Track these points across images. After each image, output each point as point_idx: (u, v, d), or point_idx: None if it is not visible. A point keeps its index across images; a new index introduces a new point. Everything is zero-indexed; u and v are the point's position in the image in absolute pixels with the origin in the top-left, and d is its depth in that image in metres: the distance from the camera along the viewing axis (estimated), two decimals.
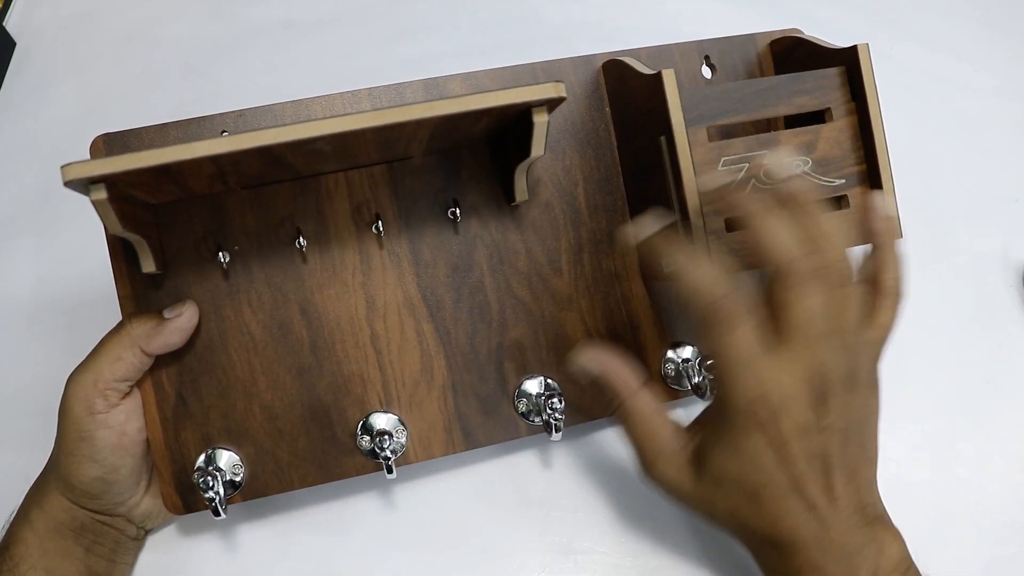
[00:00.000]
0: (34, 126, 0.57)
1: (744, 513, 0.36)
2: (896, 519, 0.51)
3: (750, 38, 0.48)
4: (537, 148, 0.38)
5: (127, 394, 0.40)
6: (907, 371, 0.54)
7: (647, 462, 0.38)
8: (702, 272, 0.34)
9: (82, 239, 0.51)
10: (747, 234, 0.34)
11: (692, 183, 0.39)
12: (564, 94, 0.35)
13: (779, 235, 0.34)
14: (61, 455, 0.39)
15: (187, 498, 0.42)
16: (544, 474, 0.48)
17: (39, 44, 0.60)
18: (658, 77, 0.39)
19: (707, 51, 0.48)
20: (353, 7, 0.61)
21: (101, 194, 0.32)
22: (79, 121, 0.56)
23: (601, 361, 0.40)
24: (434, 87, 0.44)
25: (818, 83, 0.42)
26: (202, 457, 0.42)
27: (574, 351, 0.41)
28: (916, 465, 0.52)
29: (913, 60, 0.64)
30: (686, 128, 0.39)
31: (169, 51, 0.60)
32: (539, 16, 0.62)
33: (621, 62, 0.44)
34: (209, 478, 0.40)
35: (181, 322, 0.40)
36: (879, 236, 0.38)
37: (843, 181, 0.42)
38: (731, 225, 0.40)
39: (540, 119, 0.36)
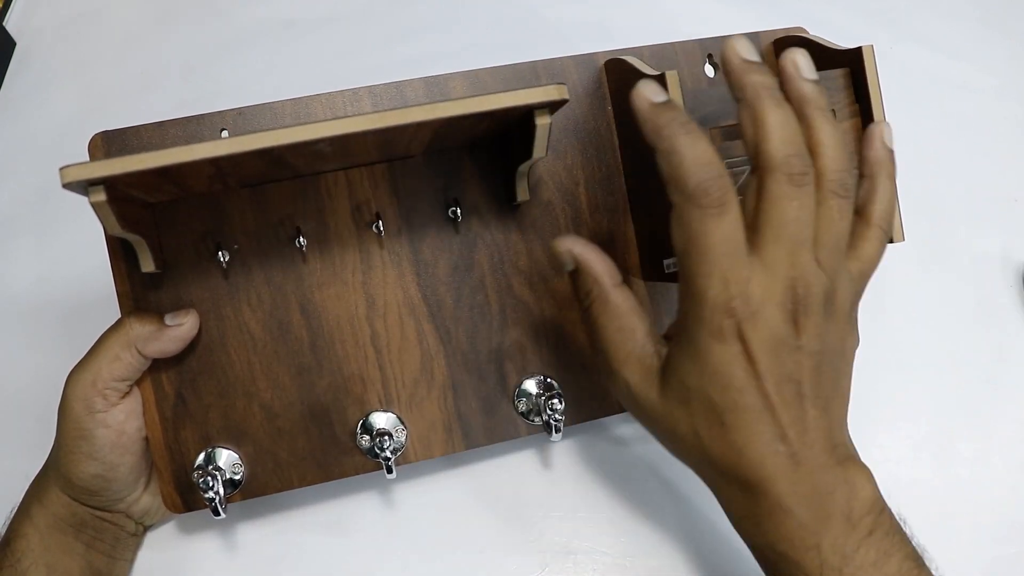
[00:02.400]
0: (34, 126, 0.57)
1: (709, 437, 0.32)
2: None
3: (753, 36, 0.48)
4: (539, 150, 0.38)
5: (126, 393, 0.40)
6: (907, 371, 0.54)
7: (617, 361, 0.35)
8: (699, 149, 0.30)
9: (82, 239, 0.51)
10: (745, 114, 0.31)
11: None
12: (567, 96, 0.35)
13: (782, 128, 0.31)
14: (60, 452, 0.39)
15: (187, 497, 0.42)
16: (544, 474, 0.48)
17: (39, 44, 0.59)
18: (661, 79, 0.39)
19: (710, 49, 0.48)
20: (353, 6, 0.61)
21: (100, 196, 0.32)
22: (79, 121, 0.56)
23: (579, 251, 0.36)
24: (435, 85, 0.44)
25: (822, 85, 0.42)
26: (202, 456, 0.42)
27: (555, 241, 0.37)
28: (916, 465, 0.52)
29: (913, 60, 0.64)
30: None
31: (169, 51, 0.60)
32: (539, 16, 0.62)
33: (624, 61, 0.43)
34: (209, 478, 0.40)
35: (181, 332, 0.40)
36: (873, 165, 0.35)
37: None
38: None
39: (542, 121, 0.36)
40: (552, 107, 0.36)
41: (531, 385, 0.45)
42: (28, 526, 0.40)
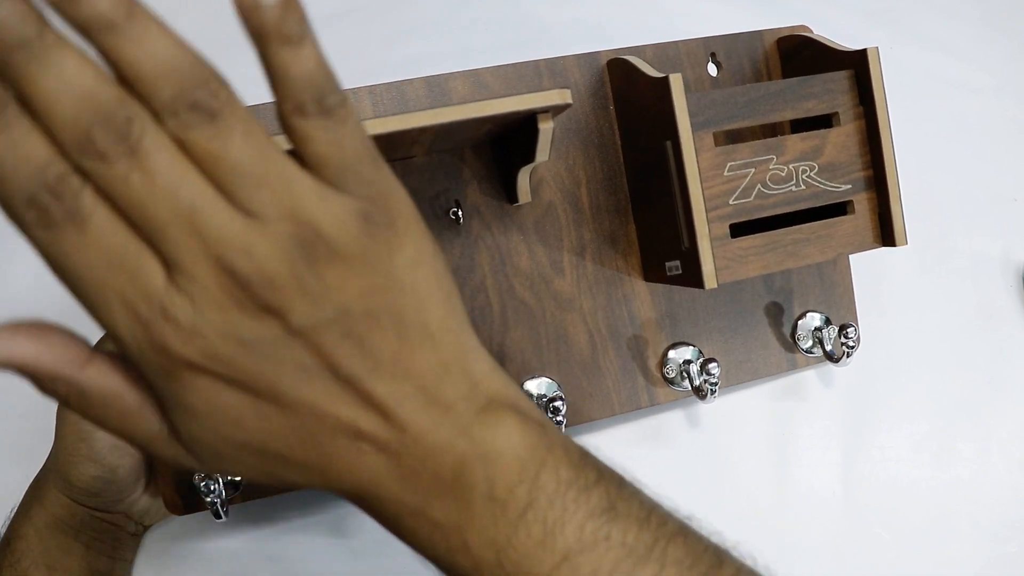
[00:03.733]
0: None
1: (289, 473, 0.24)
2: (896, 519, 0.52)
3: (757, 35, 0.48)
4: (542, 154, 0.37)
5: None
6: (907, 371, 0.55)
7: (150, 455, 0.25)
8: (17, 151, 0.19)
9: None
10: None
11: (698, 190, 0.39)
12: (570, 100, 0.34)
13: (56, 105, 0.19)
14: (60, 454, 0.39)
15: (188, 498, 0.42)
16: None
17: None
18: (665, 82, 0.38)
19: (713, 48, 0.47)
20: (353, 6, 0.61)
21: None
22: None
23: (9, 346, 0.21)
24: (436, 85, 0.44)
25: (826, 87, 0.41)
26: None
27: None
28: (916, 465, 0.52)
29: (913, 60, 0.63)
30: (692, 134, 0.38)
31: None
32: (540, 15, 0.62)
33: (627, 62, 0.43)
34: (210, 481, 0.39)
35: None
36: (256, 38, 0.22)
37: (849, 187, 0.41)
38: (737, 231, 0.40)
39: (545, 126, 0.36)
40: (555, 111, 0.36)
41: (532, 386, 0.45)
42: (28, 527, 0.40)
